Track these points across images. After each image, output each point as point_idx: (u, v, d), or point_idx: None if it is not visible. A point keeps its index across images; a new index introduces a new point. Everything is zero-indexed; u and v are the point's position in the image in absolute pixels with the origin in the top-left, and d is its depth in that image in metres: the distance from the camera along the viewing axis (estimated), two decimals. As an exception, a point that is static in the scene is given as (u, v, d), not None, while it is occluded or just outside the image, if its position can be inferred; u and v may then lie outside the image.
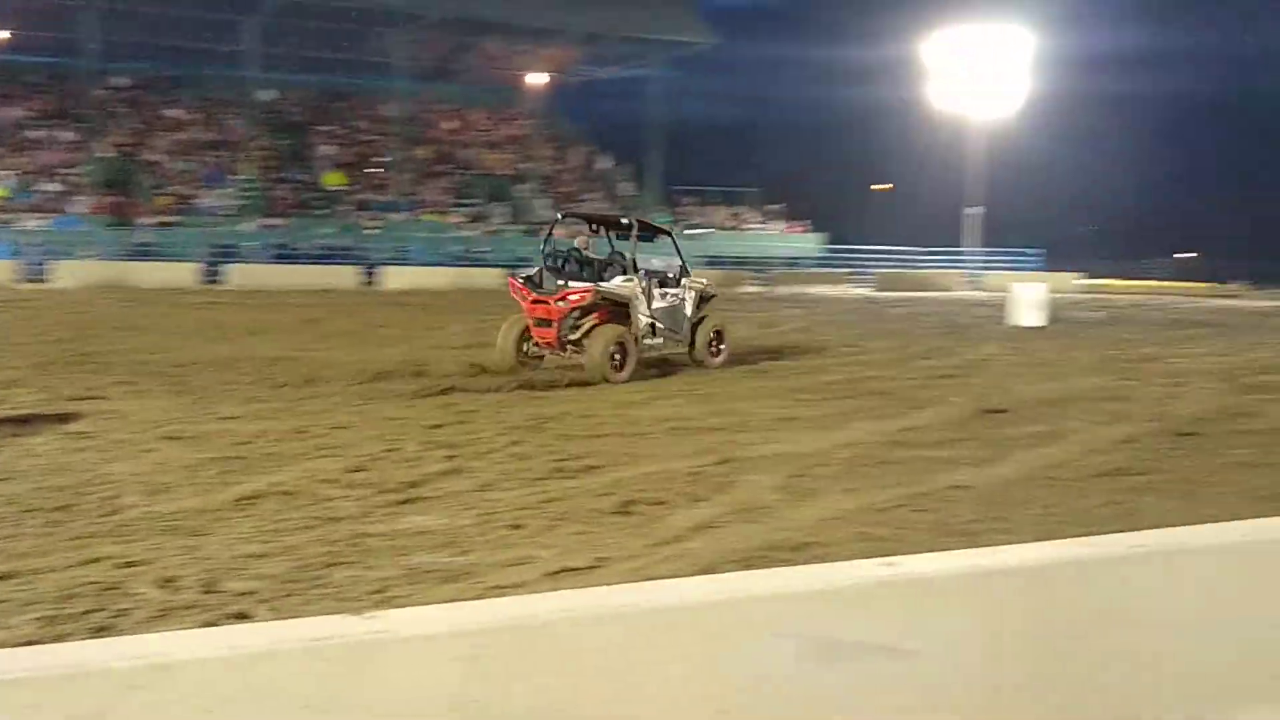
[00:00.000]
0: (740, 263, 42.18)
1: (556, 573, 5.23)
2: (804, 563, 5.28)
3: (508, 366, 12.32)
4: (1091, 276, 43.78)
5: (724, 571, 4.85)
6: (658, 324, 12.71)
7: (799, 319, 22.98)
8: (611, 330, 12.09)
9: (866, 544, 5.78)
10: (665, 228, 13.73)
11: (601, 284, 12.38)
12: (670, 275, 13.29)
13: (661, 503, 6.55)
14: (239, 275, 31.34)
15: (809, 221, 48.38)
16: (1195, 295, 38.97)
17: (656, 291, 12.88)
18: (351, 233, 39.16)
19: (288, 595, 4.82)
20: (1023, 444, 8.80)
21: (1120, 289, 41.45)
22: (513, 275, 13.42)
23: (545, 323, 12.31)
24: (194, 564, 5.16)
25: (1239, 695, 2.93)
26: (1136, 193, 74.39)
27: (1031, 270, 42.21)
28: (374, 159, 45.26)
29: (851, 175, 74.21)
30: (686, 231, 44.92)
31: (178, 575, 4.99)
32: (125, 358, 13.12)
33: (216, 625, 4.07)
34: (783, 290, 35.68)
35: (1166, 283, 45.56)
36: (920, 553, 3.09)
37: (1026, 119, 46.52)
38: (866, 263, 42.96)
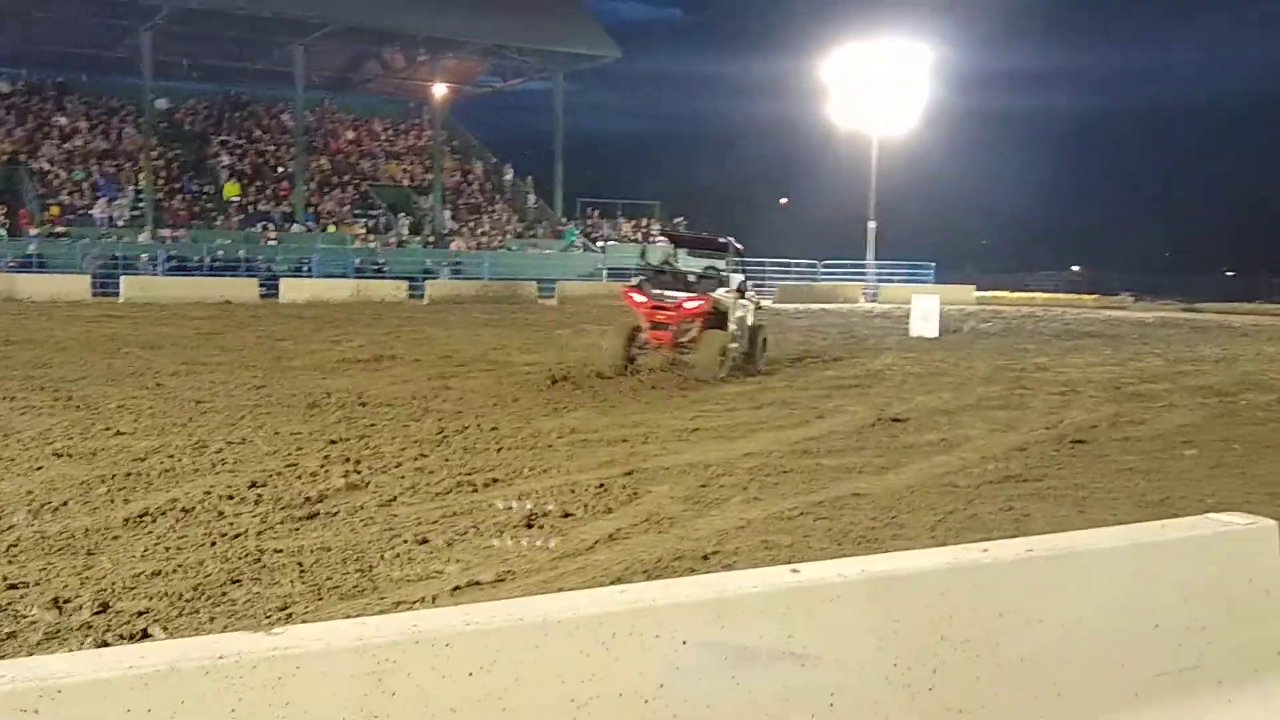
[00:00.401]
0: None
1: (462, 587, 5.21)
2: (710, 571, 5.34)
3: (618, 367, 13.33)
4: (986, 288, 44.90)
5: (631, 582, 4.88)
6: (736, 331, 14.13)
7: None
8: (722, 335, 13.64)
9: (771, 552, 5.86)
10: (739, 247, 15.38)
11: (712, 294, 13.89)
12: (741, 289, 14.77)
13: (568, 515, 6.56)
14: (133, 287, 30.50)
15: (713, 234, 48.74)
16: (1084, 306, 40.19)
17: (739, 303, 14.36)
18: (250, 244, 38.41)
19: (186, 614, 4.72)
20: (920, 452, 9.00)
21: (1013, 300, 42.58)
22: (626, 286, 14.88)
23: (663, 326, 13.65)
24: (87, 584, 5.02)
25: (1128, 695, 3.03)
26: (1029, 207, 76.55)
27: (928, 283, 43.16)
28: (273, 169, 44.50)
29: (754, 189, 75.09)
30: (595, 244, 45.03)
31: (70, 596, 4.84)
32: (13, 372, 12.70)
33: (111, 646, 3.97)
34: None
35: (1057, 294, 46.96)
36: (823, 559, 3.15)
37: (923, 134, 47.61)
38: (769, 275, 43.48)
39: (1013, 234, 78.24)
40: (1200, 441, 9.83)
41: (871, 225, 45.30)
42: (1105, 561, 3.10)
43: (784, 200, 74.23)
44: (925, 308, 23.12)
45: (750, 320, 14.77)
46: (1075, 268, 67.05)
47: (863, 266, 45.23)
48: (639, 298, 13.88)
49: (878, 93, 43.86)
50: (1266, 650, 3.28)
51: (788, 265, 44.39)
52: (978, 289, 43.94)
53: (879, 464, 8.44)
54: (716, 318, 13.86)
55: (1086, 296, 44.79)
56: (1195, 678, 3.12)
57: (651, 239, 13.88)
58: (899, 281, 43.65)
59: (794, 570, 2.70)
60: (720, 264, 15.14)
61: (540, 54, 46.72)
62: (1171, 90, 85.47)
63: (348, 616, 4.69)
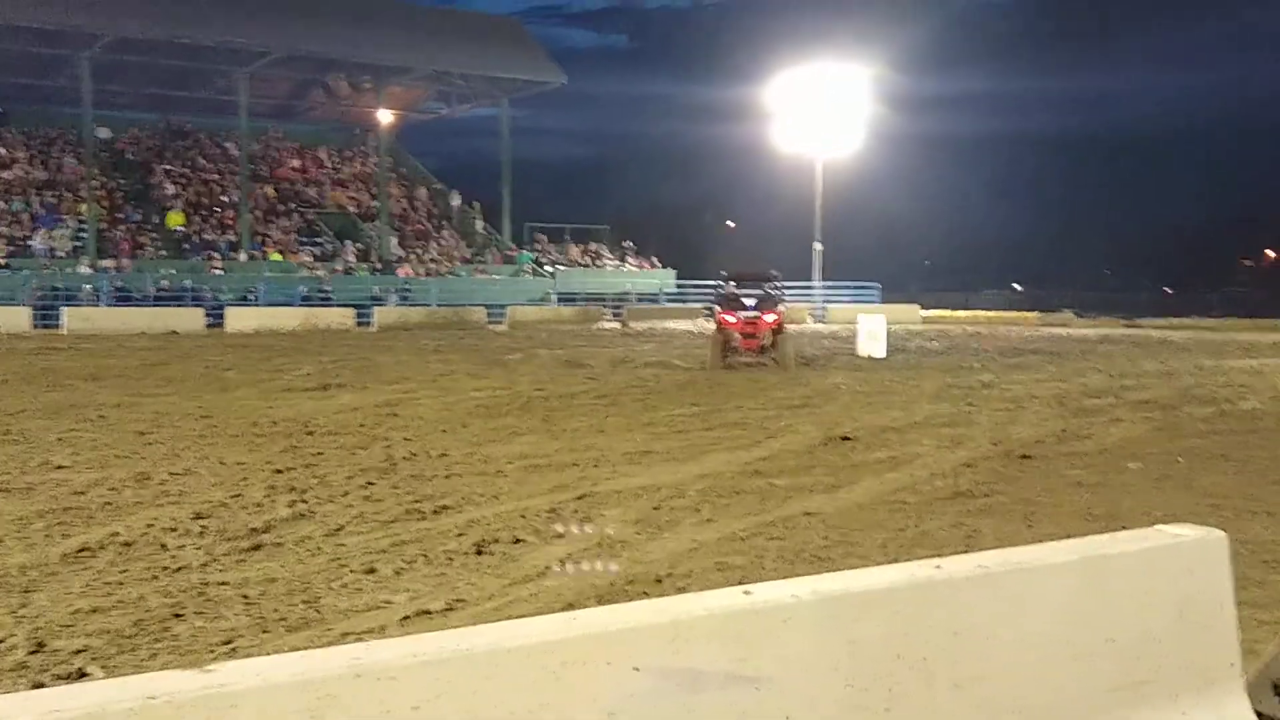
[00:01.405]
0: (596, 298, 42.40)
1: (411, 617, 5.12)
2: (664, 594, 5.29)
3: (719, 366, 18.90)
4: (930, 307, 45.37)
5: (584, 607, 4.82)
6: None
7: (654, 353, 23.16)
8: (793, 339, 20.29)
9: (724, 573, 5.82)
10: (777, 274, 21.44)
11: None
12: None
13: (519, 541, 6.48)
14: (76, 319, 30.00)
15: (660, 257, 48.93)
16: (1027, 324, 40.71)
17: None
18: (195, 274, 37.96)
19: (126, 651, 4.59)
20: (870, 470, 9.02)
21: (956, 319, 43.05)
22: (709, 310, 22.29)
23: (752, 336, 19.10)
24: (22, 623, 4.87)
25: (1085, 710, 3.02)
26: (971, 227, 77.67)
27: (874, 303, 43.54)
28: (218, 198, 44.05)
29: (701, 212, 75.55)
30: (544, 268, 44.96)
31: (4, 636, 4.69)
32: (-54, 407, 12.40)
33: (46, 687, 3.84)
34: (638, 325, 35.93)
35: (1001, 312, 47.55)
36: (776, 580, 3.11)
37: (866, 157, 48.16)
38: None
39: (956, 254, 79.34)
40: (1144, 455, 9.94)
41: (817, 247, 45.66)
42: (1058, 576, 3.09)
43: (731, 224, 74.76)
44: (872, 327, 23.26)
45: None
46: (1018, 286, 68.08)
47: (810, 287, 45.53)
48: (731, 318, 19.22)
49: (820, 116, 44.30)
50: (1219, 662, 3.29)
51: (736, 287, 44.55)
52: (923, 308, 44.38)
53: (830, 483, 8.44)
54: (780, 327, 19.50)
55: (1029, 314, 45.38)
56: (1150, 691, 3.11)
57: (720, 274, 21.63)
58: (846, 302, 44.01)
59: (746, 592, 2.66)
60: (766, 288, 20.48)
61: (486, 80, 46.76)
62: (1111, 115, 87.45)
63: (294, 649, 4.59)
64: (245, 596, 5.36)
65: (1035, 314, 44.75)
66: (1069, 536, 4.88)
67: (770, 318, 19.16)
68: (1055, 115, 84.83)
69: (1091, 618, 3.09)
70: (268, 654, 4.39)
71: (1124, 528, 5.50)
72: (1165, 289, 63.94)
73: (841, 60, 44.97)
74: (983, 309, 49.77)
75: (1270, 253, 75.14)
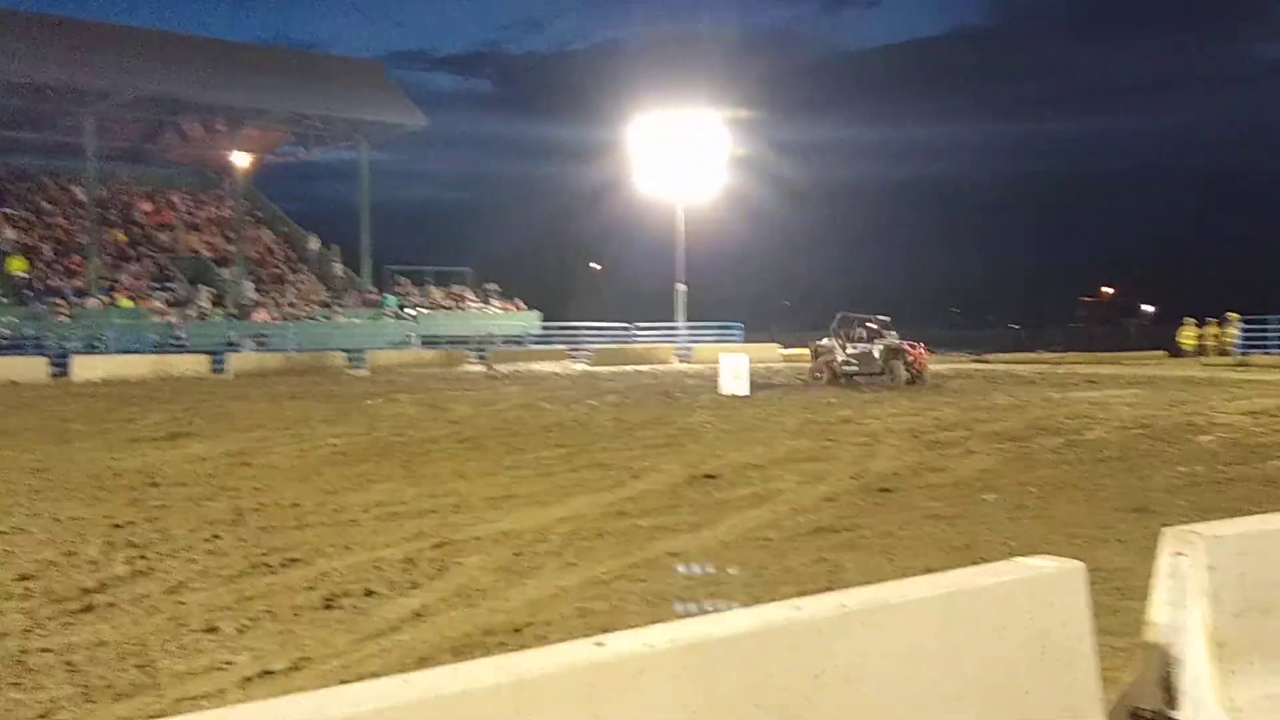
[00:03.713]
0: (460, 341, 41.87)
1: (253, 678, 4.82)
2: (523, 644, 5.09)
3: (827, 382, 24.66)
4: (790, 346, 46.12)
5: (439, 662, 4.60)
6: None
7: (519, 396, 22.91)
8: (902, 363, 25.32)
9: (586, 619, 5.66)
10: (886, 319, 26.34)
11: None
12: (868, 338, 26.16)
13: (371, 593, 6.20)
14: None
15: (524, 300, 48.70)
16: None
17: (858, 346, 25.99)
18: (39, 321, 36.19)
19: (-71, 731, 4.20)
20: (734, 507, 8.97)
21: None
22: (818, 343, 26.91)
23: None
24: None
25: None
26: (828, 269, 79.65)
27: (736, 342, 44.05)
28: (63, 243, 42.22)
29: (566, 254, 75.70)
30: (406, 311, 44.26)
31: None
32: None
33: None
34: (503, 368, 35.59)
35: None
36: (635, 626, 2.97)
37: (726, 201, 48.93)
38: (584, 339, 43.57)
39: (813, 294, 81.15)
40: (999, 486, 10.14)
41: (680, 288, 46.02)
42: (919, 613, 3.02)
43: (597, 266, 75.03)
44: (735, 366, 23.45)
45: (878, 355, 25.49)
46: (871, 325, 69.86)
47: (674, 328, 45.83)
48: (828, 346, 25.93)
49: (681, 161, 44.84)
50: (1082, 694, 3.26)
51: (602, 328, 44.62)
52: (783, 346, 45.07)
53: (693, 521, 8.36)
54: (892, 352, 25.20)
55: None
56: (1014, 729, 3.06)
57: (838, 316, 26.95)
58: (709, 341, 44.37)
59: (598, 644, 2.51)
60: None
61: (344, 123, 46.07)
62: (959, 164, 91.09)
63: (120, 720, 4.28)
64: (69, 663, 4.98)
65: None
66: (929, 570, 4.87)
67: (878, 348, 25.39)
68: (907, 163, 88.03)
69: (955, 654, 3.03)
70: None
71: (983, 560, 5.54)
72: (1012, 325, 66.37)
73: (701, 107, 45.64)
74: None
75: (1107, 290, 78.77)
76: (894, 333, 26.10)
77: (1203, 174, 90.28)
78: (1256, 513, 5.28)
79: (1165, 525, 3.82)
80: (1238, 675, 3.52)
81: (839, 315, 26.97)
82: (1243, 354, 35.89)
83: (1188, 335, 38.86)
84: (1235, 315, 37.87)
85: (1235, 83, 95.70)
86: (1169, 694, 3.56)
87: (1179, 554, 3.62)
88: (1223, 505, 8.87)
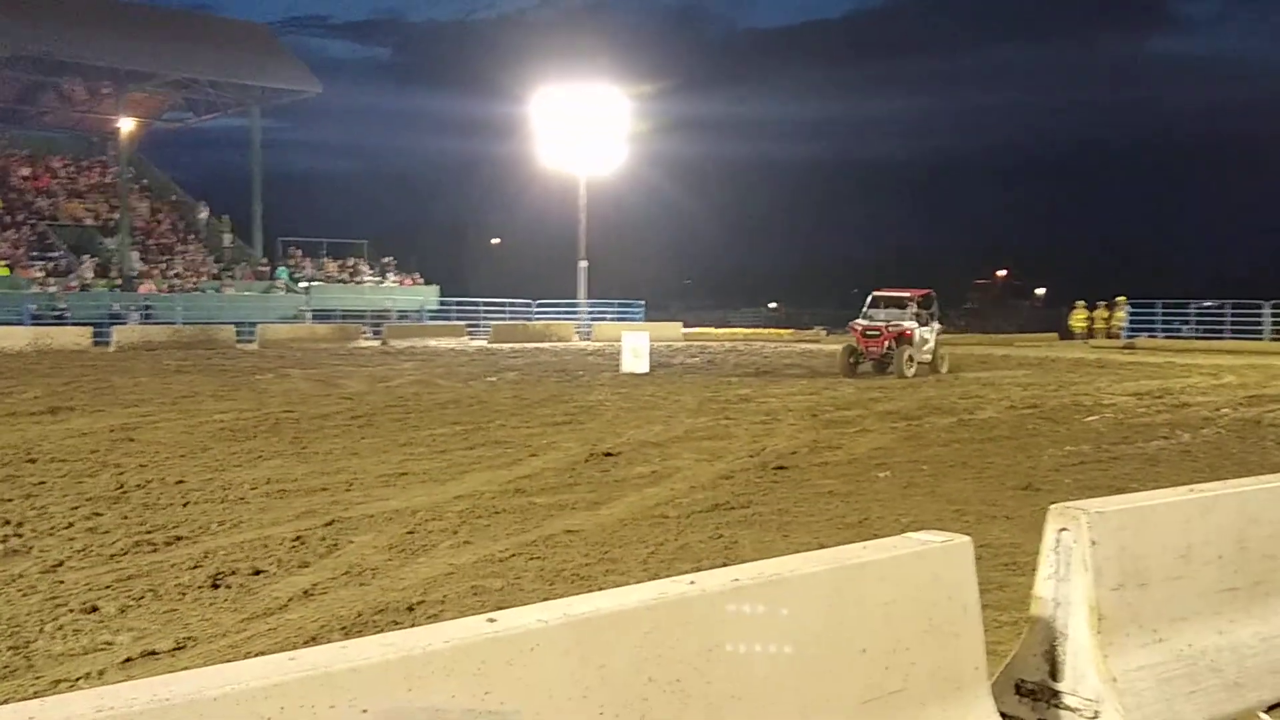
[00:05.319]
0: (355, 316, 41.18)
1: (135, 659, 4.67)
2: (415, 623, 5.02)
3: (846, 369, 22.21)
4: (692, 325, 46.38)
5: (328, 641, 4.50)
6: (922, 348, 22.27)
7: (415, 372, 22.62)
8: (908, 349, 21.76)
9: (480, 598, 5.61)
10: (928, 292, 23.29)
11: (903, 324, 22.14)
12: (922, 322, 22.58)
13: (259, 572, 6.05)
14: None
15: (422, 274, 48.06)
16: (782, 340, 42.17)
17: (922, 329, 22.37)
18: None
19: None
20: (632, 485, 8.98)
21: (717, 336, 44.13)
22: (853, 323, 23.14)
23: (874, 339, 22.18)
24: None
25: None
26: (729, 247, 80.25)
27: (637, 320, 44.12)
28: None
29: (465, 227, 74.94)
30: (299, 285, 43.35)
31: None
32: None
33: None
34: (399, 343, 35.11)
35: (757, 330, 49.11)
36: (530, 603, 2.94)
37: (628, 177, 48.88)
38: (483, 315, 43.20)
39: (714, 273, 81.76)
40: (892, 463, 10.32)
41: (582, 265, 45.89)
42: (810, 587, 3.04)
43: (496, 240, 74.43)
44: (636, 344, 23.49)
45: (932, 343, 22.63)
46: (772, 305, 70.69)
47: (575, 305, 45.72)
48: (857, 326, 22.51)
49: (583, 135, 44.63)
50: (967, 666, 3.32)
51: (502, 305, 44.29)
52: (684, 325, 45.30)
53: (591, 499, 8.34)
54: (907, 339, 21.84)
55: (784, 331, 47.02)
56: (902, 700, 3.10)
57: (874, 293, 23.64)
58: (610, 319, 44.38)
59: (490, 620, 2.47)
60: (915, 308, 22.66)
61: (235, 88, 44.83)
62: (856, 144, 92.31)
63: (-7, 704, 4.09)
64: (-63, 647, 4.76)
65: (789, 331, 46.39)
66: (823, 545, 4.92)
67: (894, 329, 21.87)
68: (810, 141, 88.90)
69: (845, 628, 3.06)
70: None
71: (876, 535, 5.62)
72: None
73: (604, 80, 45.48)
74: (741, 327, 51.26)
75: (1001, 273, 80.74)
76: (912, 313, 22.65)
77: (1094, 156, 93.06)
78: (1138, 490, 5.46)
79: (1052, 502, 3.91)
80: (1115, 647, 3.63)
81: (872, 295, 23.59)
82: (1130, 337, 37.10)
83: (1078, 318, 40.04)
84: (1124, 299, 39.10)
85: (1127, 66, 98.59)
86: (1052, 666, 3.66)
87: (1063, 530, 3.71)
88: (1107, 483, 9.17)
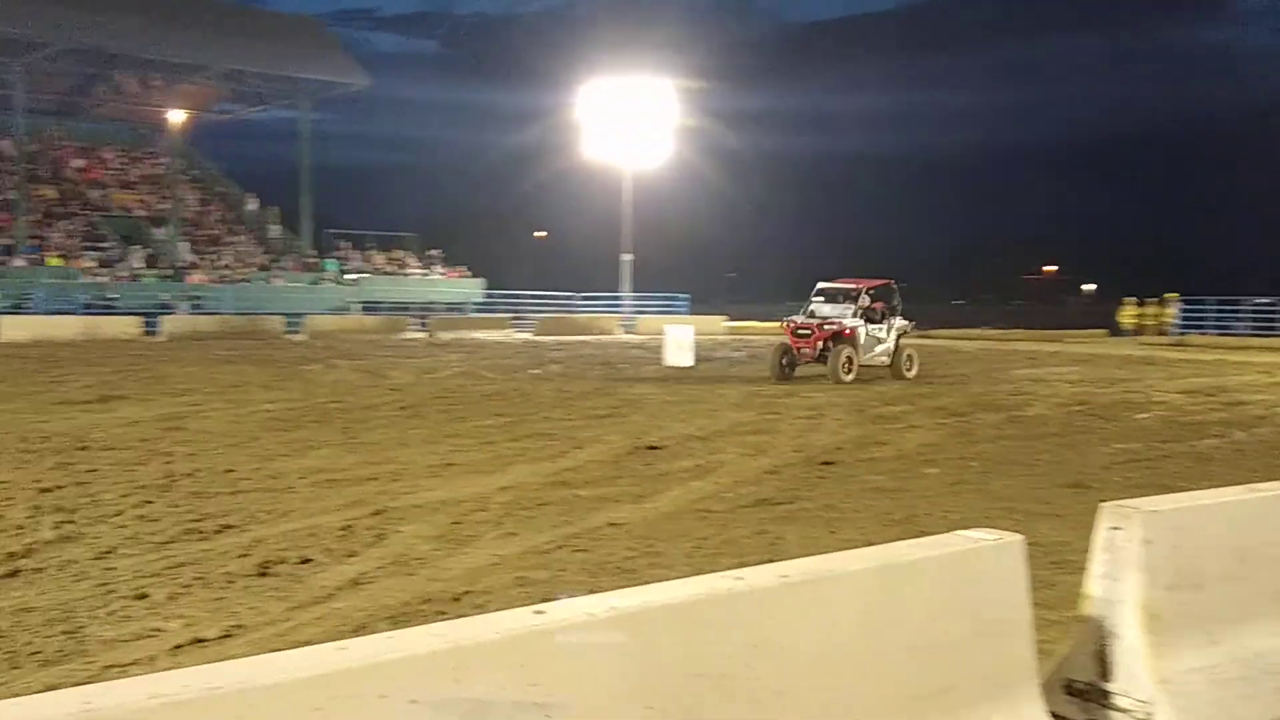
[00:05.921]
0: (402, 308, 41.47)
1: (184, 646, 4.73)
2: (461, 613, 5.04)
3: (778, 373, 18.96)
4: (736, 319, 46.23)
5: (375, 631, 4.54)
6: (874, 348, 19.13)
7: (461, 364, 22.75)
8: (845, 350, 18.38)
9: (525, 589, 5.62)
10: (886, 283, 20.10)
11: (842, 321, 18.83)
12: (875, 318, 19.32)
13: (307, 561, 6.11)
14: None
15: (468, 267, 48.28)
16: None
17: (874, 326, 19.12)
18: (-38, 281, 35.29)
19: None
20: (676, 479, 8.97)
21: (760, 330, 43.94)
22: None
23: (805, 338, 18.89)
24: None
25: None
26: (774, 240, 79.92)
27: (681, 314, 44.05)
28: (-11, 198, 41.16)
29: (511, 221, 75.22)
30: (346, 276, 43.71)
31: None
32: None
33: None
34: (445, 335, 35.31)
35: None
36: (576, 595, 2.94)
37: (675, 170, 48.77)
38: (528, 307, 43.34)
39: (759, 266, 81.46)
40: (940, 460, 10.23)
41: (626, 258, 45.88)
42: (858, 584, 3.01)
43: (541, 233, 74.65)
44: (679, 338, 23.44)
45: (890, 343, 19.39)
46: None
47: (619, 298, 45.73)
48: (790, 322, 19.26)
49: (630, 128, 44.58)
50: (1017, 665, 3.28)
51: (546, 298, 44.41)
52: (728, 319, 45.16)
53: (635, 493, 8.34)
54: (845, 339, 18.61)
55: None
56: (952, 699, 3.07)
57: (819, 284, 20.40)
58: (654, 313, 44.33)
59: (538, 612, 2.47)
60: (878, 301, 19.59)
61: (284, 80, 45.21)
62: (910, 137, 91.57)
63: (47, 687, 4.15)
64: (-7, 630, 4.85)
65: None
66: (870, 542, 4.88)
67: (827, 329, 18.60)
68: (857, 134, 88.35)
69: (893, 625, 3.03)
70: (15, 694, 3.95)
71: (923, 532, 5.57)
72: (956, 301, 67.12)
73: (651, 73, 45.39)
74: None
75: (1049, 269, 79.89)
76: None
77: (1146, 150, 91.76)
78: (1190, 489, 5.37)
79: (1102, 500, 3.85)
80: (1168, 648, 3.57)
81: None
82: (1181, 334, 36.54)
83: (1128, 314, 39.47)
84: (1174, 296, 38.50)
85: (1180, 58, 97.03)
86: (1103, 666, 3.60)
87: (1115, 528, 3.65)
88: (1158, 481, 9.03)
